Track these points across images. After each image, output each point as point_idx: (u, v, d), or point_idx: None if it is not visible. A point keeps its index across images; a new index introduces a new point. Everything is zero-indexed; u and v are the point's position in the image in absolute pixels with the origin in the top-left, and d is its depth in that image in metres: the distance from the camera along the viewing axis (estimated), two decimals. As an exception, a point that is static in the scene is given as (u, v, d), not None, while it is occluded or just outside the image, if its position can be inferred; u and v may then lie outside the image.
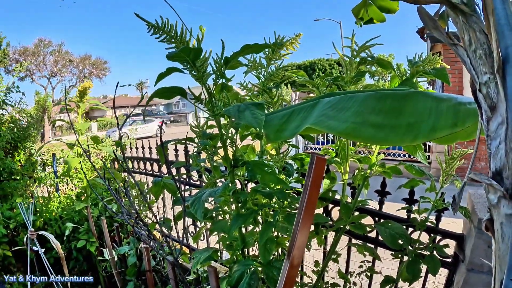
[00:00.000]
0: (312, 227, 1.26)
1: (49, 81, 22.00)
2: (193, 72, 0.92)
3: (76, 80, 22.37)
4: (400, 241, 1.12)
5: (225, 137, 0.97)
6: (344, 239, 1.39)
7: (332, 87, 1.24)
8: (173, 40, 0.91)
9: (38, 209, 2.14)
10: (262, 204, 1.06)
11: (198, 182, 2.12)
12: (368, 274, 1.37)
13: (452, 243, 1.32)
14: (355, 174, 1.28)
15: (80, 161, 1.85)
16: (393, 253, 1.32)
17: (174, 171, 2.44)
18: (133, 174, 2.83)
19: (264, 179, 1.00)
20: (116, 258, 1.90)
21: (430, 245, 1.23)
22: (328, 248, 1.49)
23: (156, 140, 2.45)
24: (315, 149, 7.91)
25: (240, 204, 1.05)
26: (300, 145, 7.52)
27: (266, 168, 1.00)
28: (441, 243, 1.29)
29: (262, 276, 0.99)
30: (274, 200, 1.18)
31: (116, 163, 3.10)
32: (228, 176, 1.01)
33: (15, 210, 2.06)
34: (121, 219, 2.33)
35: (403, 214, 1.37)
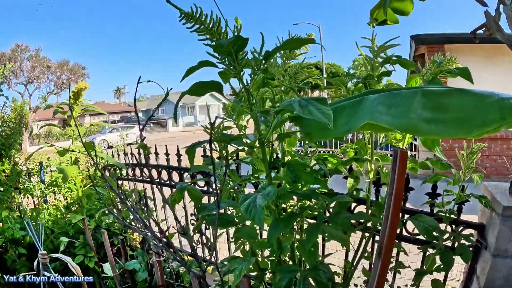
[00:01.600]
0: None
1: (26, 87, 20.67)
2: (230, 66, 0.86)
3: (53, 87, 21.17)
4: (434, 233, 1.12)
5: (264, 137, 0.91)
6: (358, 235, 1.37)
7: (359, 85, 1.23)
8: (208, 30, 0.84)
9: (26, 222, 1.94)
10: (303, 207, 1.01)
11: (205, 188, 2.02)
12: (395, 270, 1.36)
13: (470, 233, 1.36)
14: (383, 171, 1.27)
15: (89, 168, 1.69)
16: (419, 247, 1.34)
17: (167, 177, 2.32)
18: (135, 182, 2.66)
19: (302, 180, 0.95)
20: (118, 274, 1.75)
21: (457, 235, 1.26)
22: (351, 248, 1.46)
23: (166, 146, 2.33)
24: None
25: (277, 208, 0.99)
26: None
27: (304, 168, 0.96)
28: (462, 233, 1.32)
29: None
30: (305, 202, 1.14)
31: (107, 171, 2.91)
32: (266, 178, 0.95)
33: (1, 224, 1.85)
34: (125, 227, 2.18)
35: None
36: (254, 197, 0.74)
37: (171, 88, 1.02)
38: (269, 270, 1.22)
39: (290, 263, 1.18)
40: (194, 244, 1.06)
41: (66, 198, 2.51)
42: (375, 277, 0.58)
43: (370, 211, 1.30)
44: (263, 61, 0.87)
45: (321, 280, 0.87)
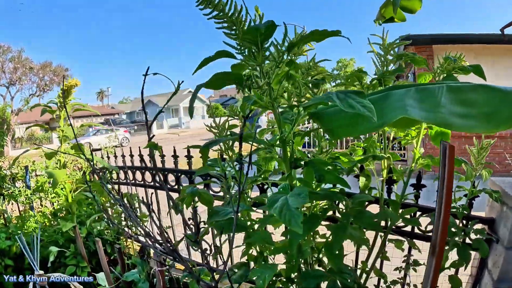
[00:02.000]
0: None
1: (8, 89, 19.60)
2: (251, 57, 0.80)
3: (36, 89, 20.18)
4: (453, 229, 1.10)
5: (286, 134, 0.85)
6: (370, 234, 1.34)
7: (375, 82, 1.20)
8: (228, 17, 0.77)
9: (12, 231, 1.78)
10: (325, 208, 0.96)
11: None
12: (410, 268, 1.33)
13: (482, 228, 1.35)
14: (400, 168, 1.24)
15: (84, 172, 1.57)
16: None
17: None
18: (126, 186, 2.53)
19: (326, 179, 0.90)
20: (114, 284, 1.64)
21: (471, 230, 1.25)
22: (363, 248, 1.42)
23: (162, 147, 2.22)
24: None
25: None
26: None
27: (326, 167, 0.91)
28: (474, 228, 1.32)
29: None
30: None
31: (95, 175, 2.76)
32: (287, 178, 0.89)
33: (-17, 236, 1.69)
34: (117, 234, 2.06)
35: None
36: (284, 199, 0.68)
37: (182, 81, 0.95)
38: (283, 275, 1.16)
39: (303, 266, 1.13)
40: (206, 254, 0.99)
41: (53, 204, 2.35)
42: (430, 275, 0.54)
43: (383, 209, 1.27)
44: (286, 53, 0.81)
45: (348, 284, 0.82)
